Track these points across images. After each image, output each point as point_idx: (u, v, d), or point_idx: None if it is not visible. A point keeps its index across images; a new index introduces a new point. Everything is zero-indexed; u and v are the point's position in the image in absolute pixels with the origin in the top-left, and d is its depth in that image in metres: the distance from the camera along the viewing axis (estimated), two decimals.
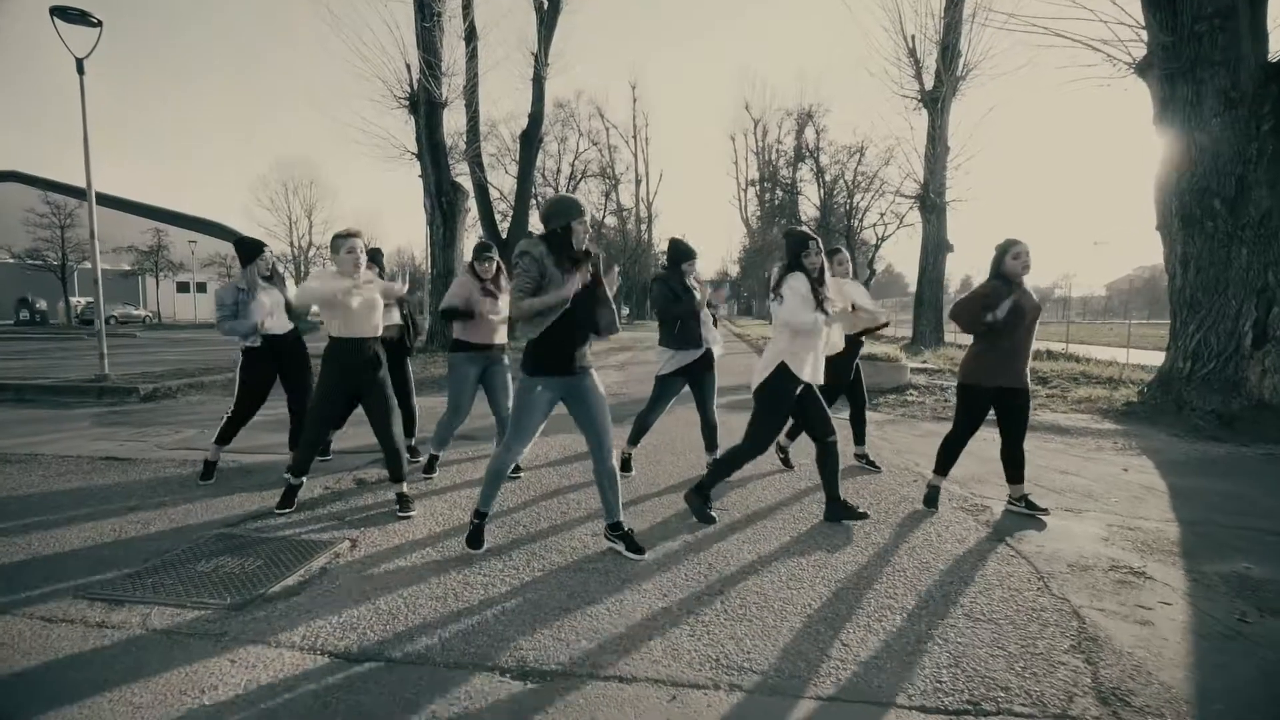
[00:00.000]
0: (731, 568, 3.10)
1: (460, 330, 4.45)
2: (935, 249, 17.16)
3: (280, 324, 4.45)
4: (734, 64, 75.67)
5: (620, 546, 3.24)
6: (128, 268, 36.83)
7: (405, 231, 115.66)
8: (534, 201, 21.68)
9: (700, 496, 3.78)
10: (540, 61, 18.66)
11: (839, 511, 3.75)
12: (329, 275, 3.66)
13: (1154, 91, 7.57)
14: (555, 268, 2.94)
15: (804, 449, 5.00)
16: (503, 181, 26.97)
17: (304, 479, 3.93)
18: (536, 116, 19.16)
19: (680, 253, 4.49)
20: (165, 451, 5.51)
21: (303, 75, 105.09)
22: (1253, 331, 6.82)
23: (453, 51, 15.69)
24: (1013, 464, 4.00)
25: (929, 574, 3.05)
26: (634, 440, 4.73)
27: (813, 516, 3.87)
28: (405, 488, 3.91)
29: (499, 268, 4.52)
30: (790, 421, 4.40)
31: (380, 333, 3.87)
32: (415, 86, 15.19)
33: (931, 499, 4.08)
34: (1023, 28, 11.90)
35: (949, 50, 16.19)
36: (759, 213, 44.39)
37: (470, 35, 16.25)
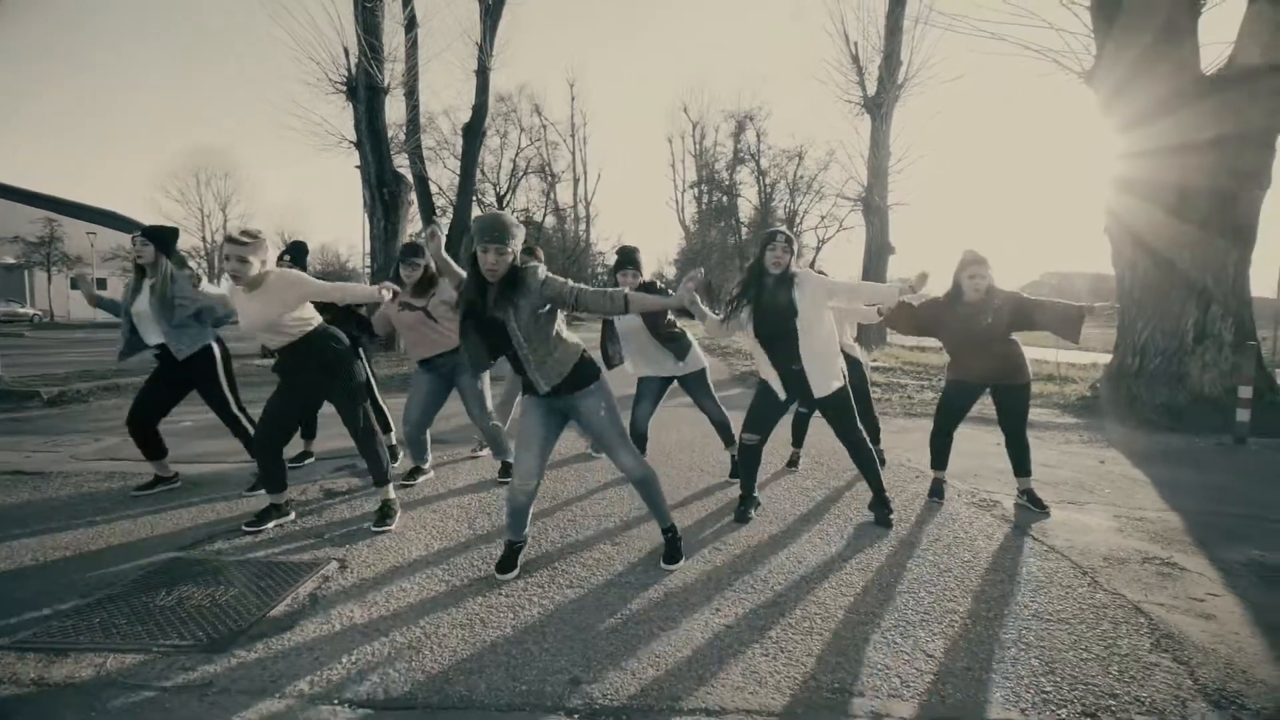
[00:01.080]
0: (777, 576, 2.86)
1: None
2: (878, 251, 17.65)
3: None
4: (673, 66, 76.01)
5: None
6: (12, 261, 33.23)
7: (333, 227, 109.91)
8: (476, 196, 20.96)
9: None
10: (485, 52, 18.00)
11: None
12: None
13: (1102, 100, 7.93)
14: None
15: (806, 449, 4.84)
16: (440, 175, 26.03)
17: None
18: (480, 109, 18.48)
19: (620, 259, 4.14)
20: (84, 463, 4.79)
21: (228, 56, 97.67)
22: (1193, 330, 7.22)
23: (393, 38, 14.94)
24: (1011, 458, 3.99)
25: (974, 573, 2.92)
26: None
27: (829, 515, 3.70)
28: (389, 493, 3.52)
29: (426, 271, 4.02)
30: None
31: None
32: (354, 71, 14.32)
33: (937, 490, 4.08)
34: (973, 33, 12.31)
35: (891, 58, 16.70)
36: (697, 215, 44.81)
37: (411, 23, 15.50)
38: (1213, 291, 7.14)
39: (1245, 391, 6.02)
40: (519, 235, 2.57)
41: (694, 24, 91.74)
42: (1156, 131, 7.24)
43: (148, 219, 42.58)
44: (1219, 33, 7.31)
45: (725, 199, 37.37)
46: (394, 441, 4.82)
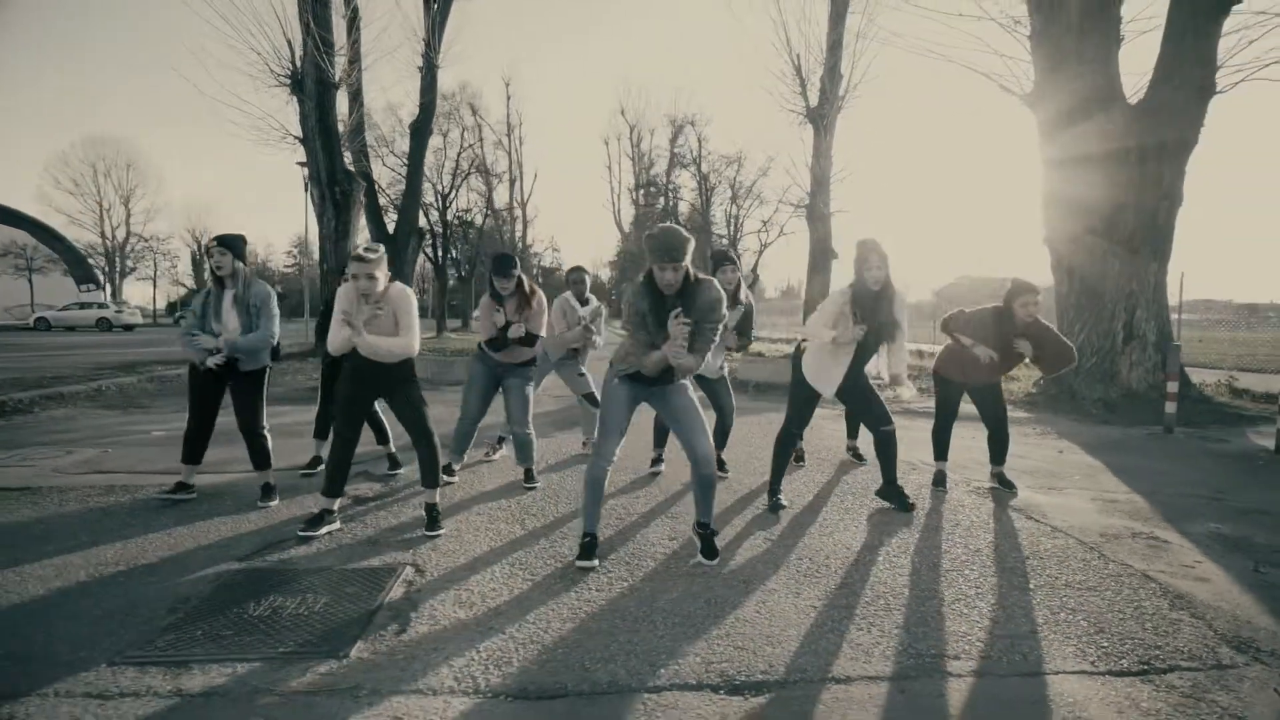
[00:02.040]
0: (833, 561, 3.12)
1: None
2: (821, 256, 18.45)
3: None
4: (610, 69, 76.24)
5: (697, 544, 3.16)
6: None
7: (248, 225, 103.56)
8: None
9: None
10: (432, 48, 17.65)
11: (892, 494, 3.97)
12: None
13: (1040, 121, 8.72)
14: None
15: (813, 448, 5.16)
16: (380, 174, 25.13)
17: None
18: (428, 106, 18.11)
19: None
20: (71, 477, 4.50)
21: (136, 38, 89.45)
22: (1123, 331, 8.07)
23: (339, 34, 14.43)
24: (993, 447, 4.54)
25: (1001, 552, 3.28)
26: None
27: (852, 506, 4.01)
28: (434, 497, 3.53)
29: (520, 284, 4.14)
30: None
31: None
32: (299, 64, 13.76)
33: (940, 479, 4.50)
34: (920, 52, 13.03)
35: (834, 71, 17.52)
36: (634, 217, 45.21)
37: (354, 17, 15.03)
38: (1138, 297, 8.01)
39: (1172, 387, 6.80)
40: (691, 248, 2.72)
41: (632, 28, 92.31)
42: (1089, 154, 8.05)
43: (36, 211, 39.00)
44: (1137, 62, 8.19)
45: (665, 202, 37.93)
46: (392, 449, 4.77)
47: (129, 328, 29.31)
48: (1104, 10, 8.01)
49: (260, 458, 3.90)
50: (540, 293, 4.24)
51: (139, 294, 47.72)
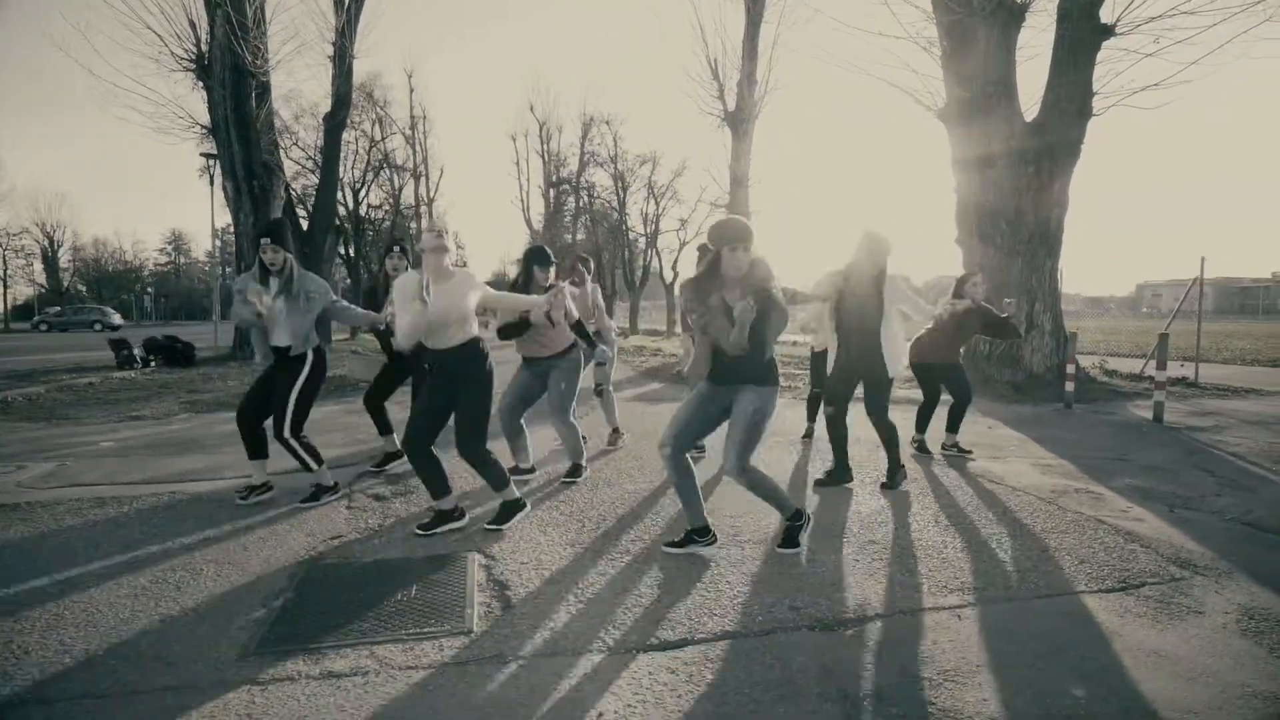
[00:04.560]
0: (857, 525, 3.57)
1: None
2: None
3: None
4: (519, 63, 74.98)
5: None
6: None
7: (110, 219, 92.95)
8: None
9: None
10: (346, 36, 16.89)
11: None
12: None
13: (952, 134, 9.74)
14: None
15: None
16: (285, 167, 23.67)
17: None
18: (343, 97, 17.32)
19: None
20: (45, 492, 4.20)
21: None
22: (1025, 322, 9.20)
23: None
24: (952, 418, 5.30)
25: (983, 508, 3.86)
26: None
27: (857, 481, 4.51)
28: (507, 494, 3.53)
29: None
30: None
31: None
32: (203, 48, 12.85)
33: (924, 447, 5.28)
34: (837, 64, 13.84)
35: (750, 76, 18.39)
36: (545, 215, 44.92)
37: (261, 6, 14.18)
38: (1036, 291, 9.16)
39: (1071, 369, 7.90)
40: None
41: (542, 23, 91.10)
42: (993, 165, 9.11)
43: None
44: (1035, 83, 9.37)
45: (578, 201, 38.01)
46: (397, 445, 4.68)
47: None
48: (1005, 39, 9.09)
49: (255, 450, 3.88)
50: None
51: None
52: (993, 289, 9.24)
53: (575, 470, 4.43)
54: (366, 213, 28.83)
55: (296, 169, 24.25)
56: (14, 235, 39.95)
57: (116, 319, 36.42)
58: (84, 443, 5.81)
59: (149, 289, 65.86)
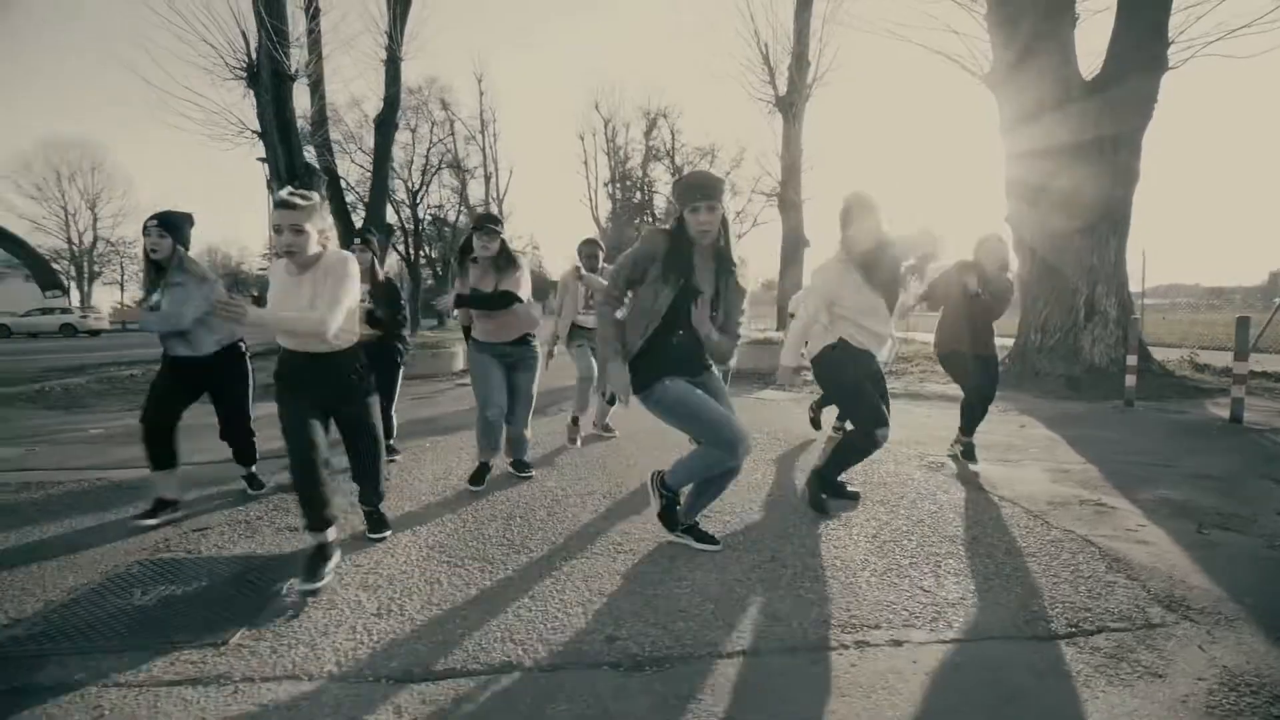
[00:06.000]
0: (769, 538, 3.00)
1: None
2: (794, 245, 18.43)
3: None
4: (583, 63, 75.87)
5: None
6: None
7: (222, 227, 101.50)
8: (389, 192, 20.16)
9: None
10: (395, 40, 17.32)
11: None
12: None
13: (1001, 101, 8.68)
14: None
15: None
16: (348, 170, 24.77)
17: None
18: (392, 100, 17.79)
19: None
20: None
21: (93, 34, 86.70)
22: (1084, 308, 8.06)
23: (296, 25, 14.11)
24: (973, 419, 4.32)
25: (944, 522, 3.18)
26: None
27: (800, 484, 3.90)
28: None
29: (504, 246, 3.65)
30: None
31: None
32: (255, 56, 13.42)
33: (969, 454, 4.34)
34: (881, 33, 13.01)
35: (801, 58, 17.47)
36: (610, 211, 44.96)
37: (315, 11, 14.71)
38: (1098, 273, 8.00)
39: (1131, 360, 6.78)
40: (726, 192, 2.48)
41: (603, 20, 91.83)
42: (1047, 132, 8.02)
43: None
44: (1094, 42, 8.17)
45: (640, 195, 37.76)
46: (393, 445, 4.52)
47: (94, 333, 28.58)
48: None
49: (246, 456, 3.71)
50: (522, 259, 3.76)
51: (110, 299, 46.44)
52: (1044, 270, 8.20)
53: (480, 474, 3.90)
54: (425, 213, 29.66)
55: (362, 173, 25.22)
56: (129, 244, 43.78)
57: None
58: (75, 430, 5.98)
59: (254, 290, 71.43)
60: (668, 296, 2.50)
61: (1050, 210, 8.09)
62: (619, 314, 2.66)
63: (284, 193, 2.45)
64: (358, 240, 4.41)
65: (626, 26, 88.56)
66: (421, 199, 29.01)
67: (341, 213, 17.82)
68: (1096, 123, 7.79)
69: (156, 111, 38.40)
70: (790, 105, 17.91)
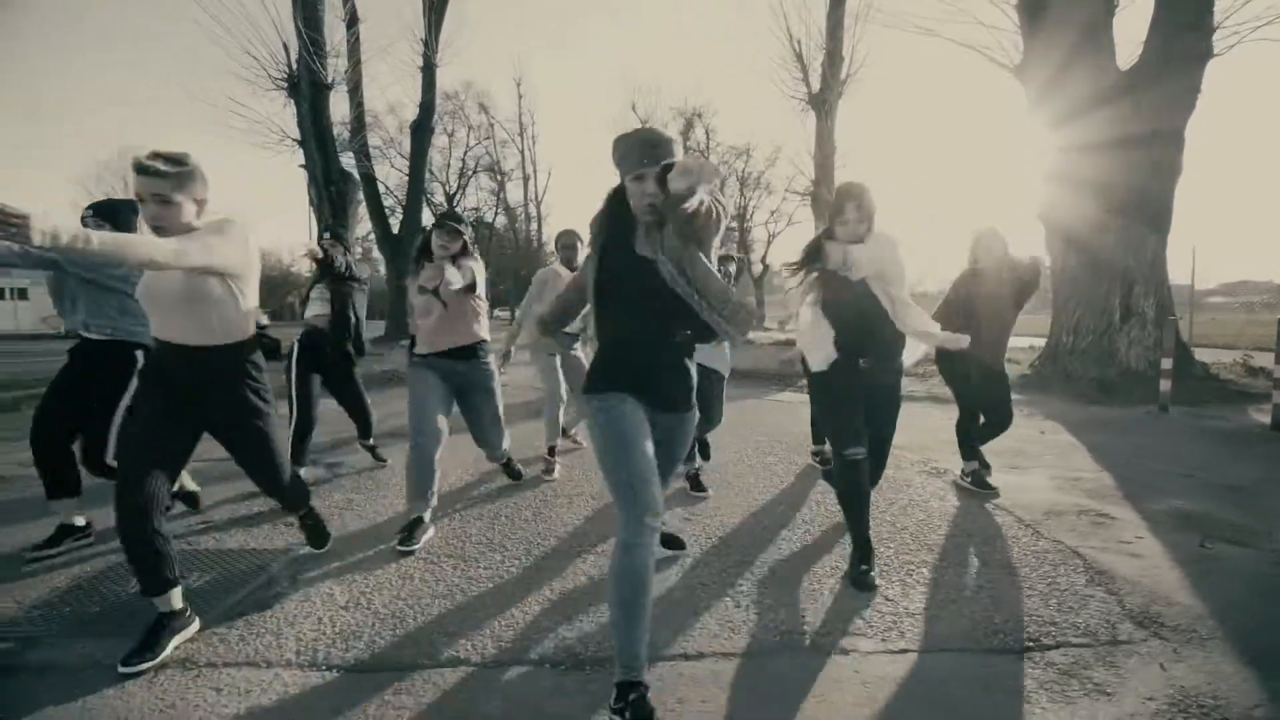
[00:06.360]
0: (742, 539, 3.00)
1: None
2: None
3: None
4: (619, 64, 76.06)
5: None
6: None
7: (270, 230, 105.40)
8: (426, 196, 20.66)
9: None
10: (430, 47, 17.75)
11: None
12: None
13: (1030, 93, 8.39)
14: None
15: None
16: (387, 175, 25.51)
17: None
18: (428, 106, 18.23)
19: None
20: None
21: (148, 51, 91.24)
22: (1120, 309, 7.72)
23: (334, 34, 14.60)
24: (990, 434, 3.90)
25: (928, 530, 3.12)
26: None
27: (787, 487, 3.87)
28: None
29: (465, 246, 3.19)
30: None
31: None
32: (295, 67, 13.94)
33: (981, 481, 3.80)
34: (910, 29, 12.74)
35: (834, 55, 17.18)
36: None
37: (352, 19, 15.20)
38: (1135, 273, 7.65)
39: (1166, 364, 6.47)
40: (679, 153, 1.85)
41: (638, 22, 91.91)
42: (1081, 125, 7.71)
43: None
44: (1131, 31, 7.81)
45: None
46: (372, 443, 4.46)
47: None
48: None
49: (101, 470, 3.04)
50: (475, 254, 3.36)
51: None
52: (1077, 269, 7.89)
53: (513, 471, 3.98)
54: (464, 215, 30.29)
55: (401, 178, 25.91)
56: None
57: (263, 319, 40.89)
58: None
59: (300, 292, 74.07)
60: (593, 264, 1.92)
61: (1084, 207, 7.78)
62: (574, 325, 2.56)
63: (144, 156, 2.04)
64: (326, 235, 4.49)
65: (659, 28, 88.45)
66: (459, 202, 29.59)
67: (379, 216, 18.35)
68: (1134, 115, 7.45)
69: (204, 123, 40.26)
70: (823, 102, 17.63)
